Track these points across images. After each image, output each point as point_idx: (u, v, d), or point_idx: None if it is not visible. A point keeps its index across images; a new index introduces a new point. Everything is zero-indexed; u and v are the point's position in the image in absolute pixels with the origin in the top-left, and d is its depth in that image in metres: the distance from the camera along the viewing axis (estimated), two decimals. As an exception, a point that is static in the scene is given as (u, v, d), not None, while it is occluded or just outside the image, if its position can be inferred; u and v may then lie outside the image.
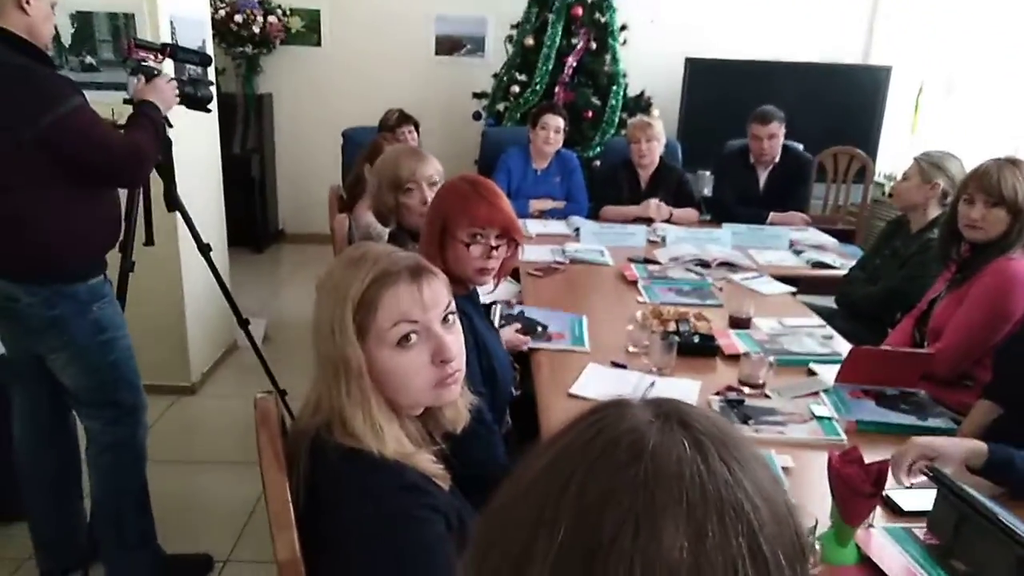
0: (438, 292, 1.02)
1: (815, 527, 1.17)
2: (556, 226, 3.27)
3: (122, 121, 1.89)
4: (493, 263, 1.57)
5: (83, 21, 2.72)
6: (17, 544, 2.07)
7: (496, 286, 1.72)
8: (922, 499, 1.29)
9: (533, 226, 3.21)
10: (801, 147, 3.64)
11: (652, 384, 1.74)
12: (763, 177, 3.46)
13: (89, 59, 2.77)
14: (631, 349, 1.94)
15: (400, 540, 0.93)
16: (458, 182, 1.62)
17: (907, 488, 1.31)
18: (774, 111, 3.33)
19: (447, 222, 1.53)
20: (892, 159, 4.70)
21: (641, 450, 0.42)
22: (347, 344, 0.96)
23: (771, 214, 3.36)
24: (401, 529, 0.94)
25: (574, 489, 0.42)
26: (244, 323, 2.59)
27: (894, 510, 1.30)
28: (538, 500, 0.43)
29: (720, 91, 4.56)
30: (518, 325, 2.00)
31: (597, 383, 1.73)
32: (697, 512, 0.40)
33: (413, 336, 0.99)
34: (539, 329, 1.99)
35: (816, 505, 1.23)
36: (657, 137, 3.37)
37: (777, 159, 3.41)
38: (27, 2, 1.64)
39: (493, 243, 1.54)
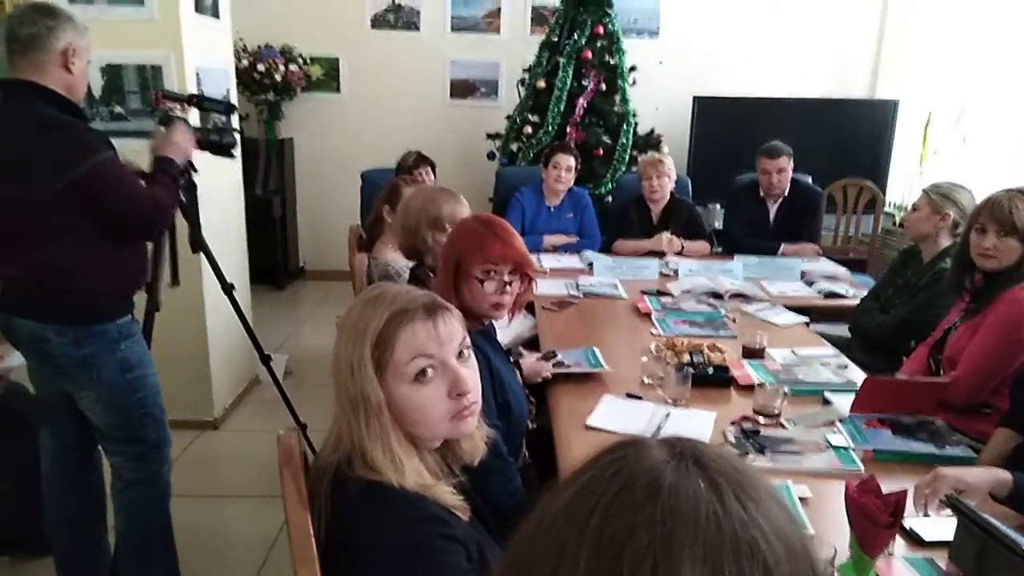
0: (453, 327, 1.05)
1: (834, 557, 1.16)
2: (570, 261, 3.31)
3: (138, 164, 1.96)
4: (507, 298, 1.61)
5: (113, 73, 2.84)
6: (44, 580, 2.09)
7: (511, 321, 1.76)
8: (943, 529, 1.27)
9: (547, 261, 3.25)
10: (810, 180, 3.67)
11: (667, 416, 1.75)
12: (773, 210, 3.49)
13: (118, 109, 2.87)
14: (646, 381, 1.95)
15: (421, 571, 0.95)
16: (471, 221, 1.67)
17: (926, 517, 1.31)
18: (782, 146, 3.38)
19: (461, 259, 1.58)
20: (902, 189, 4.72)
21: (658, 489, 0.43)
22: (366, 380, 0.99)
23: (783, 246, 3.38)
24: (422, 560, 0.95)
25: (594, 526, 0.43)
26: (266, 359, 2.63)
27: (915, 540, 1.29)
28: (559, 536, 0.44)
29: (728, 127, 4.63)
30: (539, 353, 2.04)
31: (613, 415, 1.75)
32: (713, 551, 0.41)
33: (430, 371, 1.02)
34: (557, 356, 2.03)
35: (835, 535, 1.22)
36: (668, 173, 3.43)
37: (786, 192, 3.45)
38: (72, 62, 1.74)
39: (506, 278, 1.59)
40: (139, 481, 1.91)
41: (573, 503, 0.45)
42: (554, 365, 1.97)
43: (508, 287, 1.59)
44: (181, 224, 2.23)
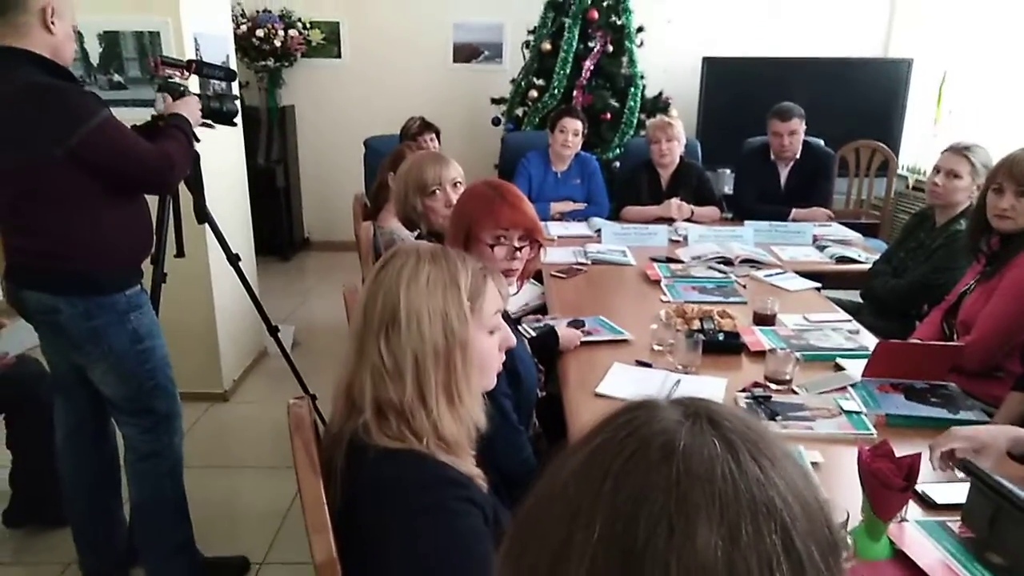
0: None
1: (847, 521, 1.16)
2: (578, 228, 3.28)
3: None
4: (517, 264, 1.61)
5: (110, 40, 2.79)
6: (62, 549, 2.13)
7: (519, 289, 1.74)
8: (955, 492, 1.27)
9: (555, 228, 3.22)
10: (822, 142, 3.61)
11: (678, 382, 1.74)
12: (784, 173, 3.43)
13: (117, 77, 2.83)
14: (656, 348, 1.94)
15: (439, 532, 0.95)
16: (480, 186, 1.65)
17: (948, 479, 1.30)
18: (794, 107, 3.31)
19: (472, 225, 1.57)
20: (915, 152, 4.63)
21: (672, 450, 0.43)
22: (467, 328, 1.02)
23: (793, 210, 3.33)
24: (441, 521, 0.95)
25: (608, 489, 0.42)
26: (274, 330, 2.63)
27: (927, 504, 1.29)
28: (573, 500, 0.43)
29: (738, 89, 4.54)
30: (567, 320, 2.06)
31: (623, 382, 1.74)
32: (730, 511, 0.40)
33: (499, 324, 1.10)
34: (585, 325, 2.03)
35: (847, 500, 1.22)
36: (677, 137, 3.37)
37: (798, 155, 3.39)
38: (52, 22, 1.68)
39: (517, 244, 1.58)
40: (152, 453, 1.92)
41: (585, 467, 0.45)
42: (583, 333, 1.98)
43: (518, 253, 1.60)
44: (185, 195, 2.21)
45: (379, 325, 1.01)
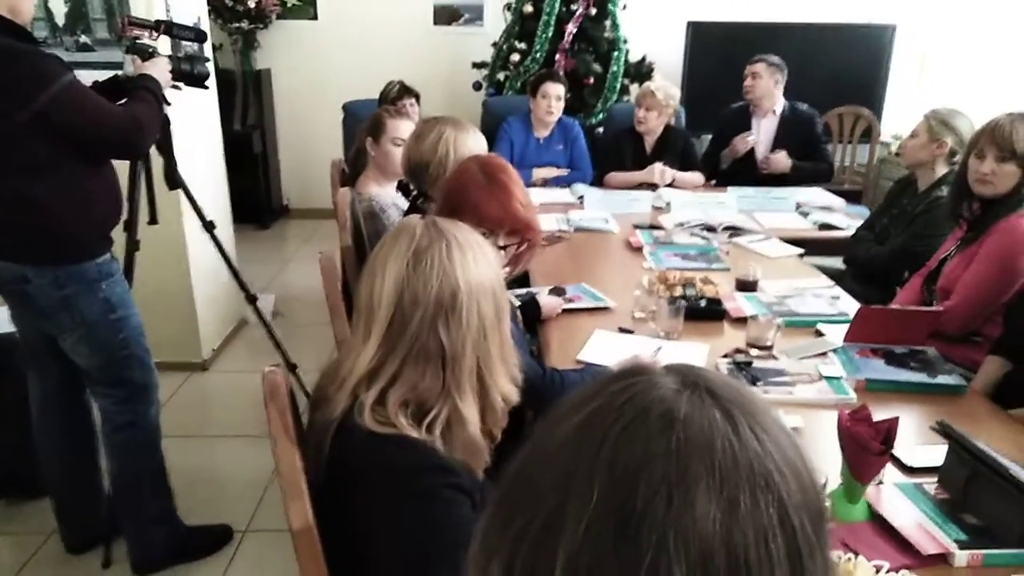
0: None
1: (825, 484, 1.17)
2: (560, 194, 3.24)
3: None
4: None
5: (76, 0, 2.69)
6: (42, 519, 2.11)
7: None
8: (931, 456, 1.30)
9: (537, 195, 3.18)
10: (806, 106, 3.59)
11: (659, 349, 1.74)
12: (760, 132, 3.42)
13: (84, 38, 2.74)
14: (638, 315, 1.94)
15: (425, 519, 0.94)
16: (475, 169, 1.53)
17: (918, 445, 1.32)
18: (766, 55, 3.36)
19: (457, 214, 1.41)
20: (899, 118, 4.63)
21: (673, 419, 0.42)
22: (505, 295, 1.05)
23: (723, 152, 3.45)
24: (427, 508, 0.94)
25: (606, 455, 0.41)
26: (252, 299, 2.59)
27: (905, 467, 1.30)
28: (568, 465, 0.42)
29: (723, 54, 4.47)
30: (548, 287, 2.04)
31: (605, 349, 1.74)
32: (729, 482, 0.40)
33: None
34: (566, 292, 2.02)
35: (826, 463, 1.23)
36: (658, 107, 3.30)
37: (776, 111, 3.39)
38: None
39: (501, 243, 1.47)
40: (127, 424, 1.89)
41: (582, 432, 0.43)
42: (565, 301, 1.97)
43: (501, 252, 1.46)
44: (157, 160, 2.15)
45: (435, 310, 0.97)
